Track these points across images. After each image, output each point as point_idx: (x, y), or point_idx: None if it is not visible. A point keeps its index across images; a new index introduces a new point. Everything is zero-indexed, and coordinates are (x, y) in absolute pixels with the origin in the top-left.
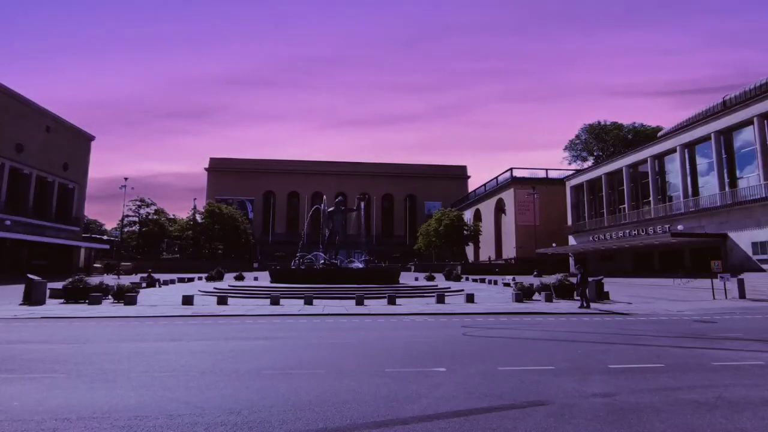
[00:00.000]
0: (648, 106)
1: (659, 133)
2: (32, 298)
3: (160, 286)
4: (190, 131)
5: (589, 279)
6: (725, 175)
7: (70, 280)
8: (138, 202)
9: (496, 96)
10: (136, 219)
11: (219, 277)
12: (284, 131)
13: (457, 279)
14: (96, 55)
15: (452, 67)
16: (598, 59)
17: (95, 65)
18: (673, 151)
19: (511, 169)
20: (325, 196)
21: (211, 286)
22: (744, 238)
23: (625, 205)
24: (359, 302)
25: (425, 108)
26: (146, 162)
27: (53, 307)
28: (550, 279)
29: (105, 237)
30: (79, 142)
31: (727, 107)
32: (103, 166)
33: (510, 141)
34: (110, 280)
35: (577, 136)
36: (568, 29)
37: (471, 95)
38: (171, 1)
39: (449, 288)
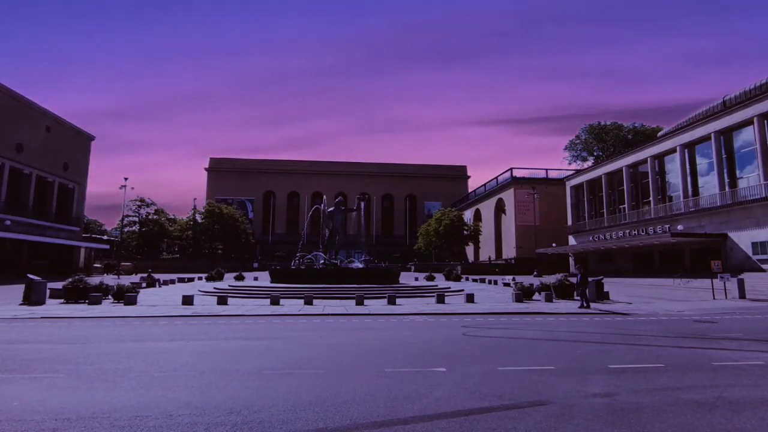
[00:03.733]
0: (489, 134)
1: (659, 133)
2: (32, 298)
3: (160, 286)
4: None
5: (589, 279)
6: (725, 175)
7: (70, 280)
8: (138, 202)
9: (341, 130)
10: (136, 219)
11: (219, 277)
12: (163, 160)
13: (457, 279)
14: None
15: (302, 105)
16: (430, 94)
17: None
18: (673, 151)
19: (511, 169)
20: (325, 196)
21: (211, 286)
22: (744, 238)
23: (625, 205)
24: (359, 302)
25: (277, 141)
26: None
27: (53, 307)
28: (550, 279)
29: (105, 237)
30: (79, 142)
31: (727, 107)
32: None
33: None
34: (110, 280)
35: (577, 136)
36: (399, 69)
37: (319, 129)
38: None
39: (449, 288)
